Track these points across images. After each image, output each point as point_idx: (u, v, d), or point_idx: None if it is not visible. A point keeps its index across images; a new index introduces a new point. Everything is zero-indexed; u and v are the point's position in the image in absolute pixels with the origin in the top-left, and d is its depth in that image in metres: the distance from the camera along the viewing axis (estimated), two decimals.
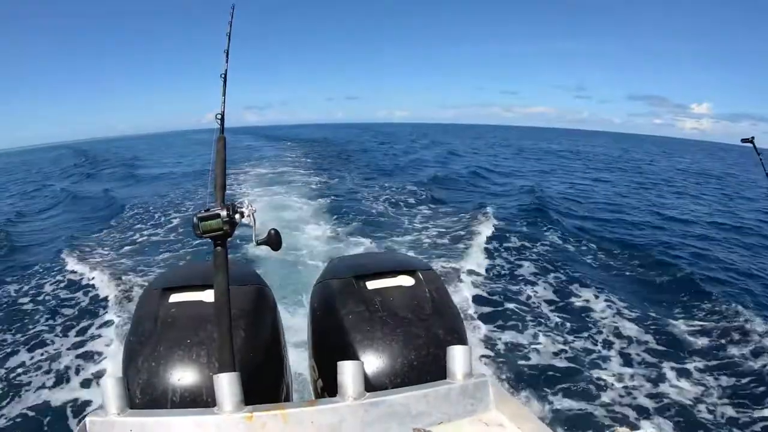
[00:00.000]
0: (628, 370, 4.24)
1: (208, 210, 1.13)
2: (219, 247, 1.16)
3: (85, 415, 1.01)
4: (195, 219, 1.12)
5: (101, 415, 1.01)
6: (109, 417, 1.00)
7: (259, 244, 1.20)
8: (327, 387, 1.49)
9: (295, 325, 3.40)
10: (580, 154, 32.85)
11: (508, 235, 7.89)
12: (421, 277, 1.67)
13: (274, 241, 1.22)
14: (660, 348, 4.59)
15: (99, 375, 4.01)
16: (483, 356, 4.27)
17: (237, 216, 1.13)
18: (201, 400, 1.23)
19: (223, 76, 1.40)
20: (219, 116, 1.32)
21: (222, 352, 1.14)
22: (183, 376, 1.29)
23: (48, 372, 4.17)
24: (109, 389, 1.02)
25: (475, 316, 4.97)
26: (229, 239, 1.16)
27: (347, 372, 1.08)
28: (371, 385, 1.35)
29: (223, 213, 1.11)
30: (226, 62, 1.42)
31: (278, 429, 1.00)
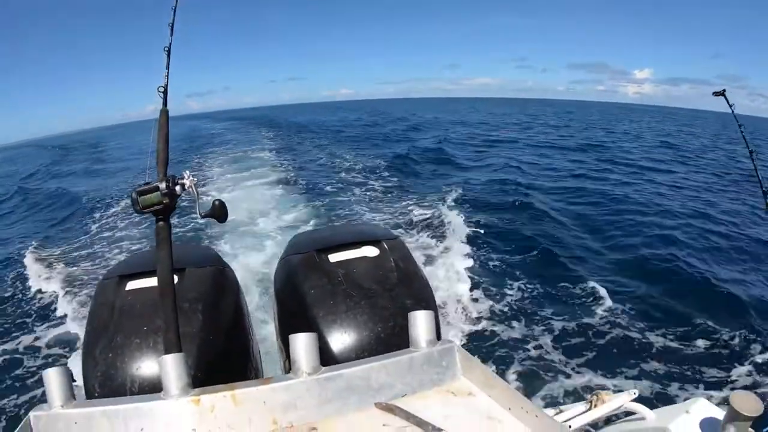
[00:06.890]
0: (607, 337, 4.18)
1: (147, 184, 1.06)
2: (161, 222, 1.09)
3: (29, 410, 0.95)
4: (134, 194, 1.05)
5: (45, 409, 0.95)
6: (53, 410, 0.94)
7: (203, 216, 1.14)
8: None
9: (265, 304, 3.34)
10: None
11: (476, 203, 8.02)
12: (386, 246, 1.64)
13: (219, 212, 1.16)
14: (638, 314, 4.56)
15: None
16: (454, 323, 4.22)
17: (177, 188, 1.07)
18: (160, 387, 1.20)
19: (167, 49, 1.32)
20: (162, 89, 1.24)
21: (168, 333, 1.07)
22: (141, 364, 1.26)
23: (4, 369, 4.03)
24: (52, 381, 0.95)
25: (447, 283, 4.91)
26: (172, 213, 1.10)
27: (299, 345, 1.01)
28: (337, 360, 1.32)
29: (162, 185, 1.04)
30: (171, 35, 1.34)
31: (228, 411, 0.94)
